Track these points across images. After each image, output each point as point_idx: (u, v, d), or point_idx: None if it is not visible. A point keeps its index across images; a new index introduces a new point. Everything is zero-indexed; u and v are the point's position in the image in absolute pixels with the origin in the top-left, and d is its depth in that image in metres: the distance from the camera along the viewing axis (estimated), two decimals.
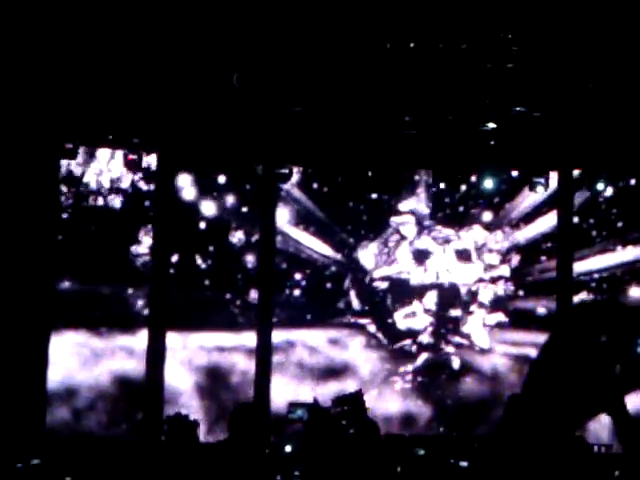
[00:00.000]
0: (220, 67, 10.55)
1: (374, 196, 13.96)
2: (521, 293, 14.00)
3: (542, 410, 3.87)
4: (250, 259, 13.94)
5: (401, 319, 14.03)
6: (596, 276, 13.75)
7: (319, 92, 11.10)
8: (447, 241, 14.08)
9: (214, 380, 13.67)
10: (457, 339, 13.95)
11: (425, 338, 13.95)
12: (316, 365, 13.85)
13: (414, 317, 14.02)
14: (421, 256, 14.13)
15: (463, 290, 14.05)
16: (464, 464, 6.42)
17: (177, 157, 13.32)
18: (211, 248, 13.81)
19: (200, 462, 5.04)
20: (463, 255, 14.08)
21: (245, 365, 13.68)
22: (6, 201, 11.92)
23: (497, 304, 14.03)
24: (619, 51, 9.77)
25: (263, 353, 13.59)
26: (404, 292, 14.08)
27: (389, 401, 13.69)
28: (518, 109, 11.45)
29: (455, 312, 14.01)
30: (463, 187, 14.03)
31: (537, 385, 3.95)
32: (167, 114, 12.14)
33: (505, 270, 14.01)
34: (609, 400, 3.85)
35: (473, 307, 14.03)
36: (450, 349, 13.94)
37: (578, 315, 4.06)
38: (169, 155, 13.26)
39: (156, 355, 13.20)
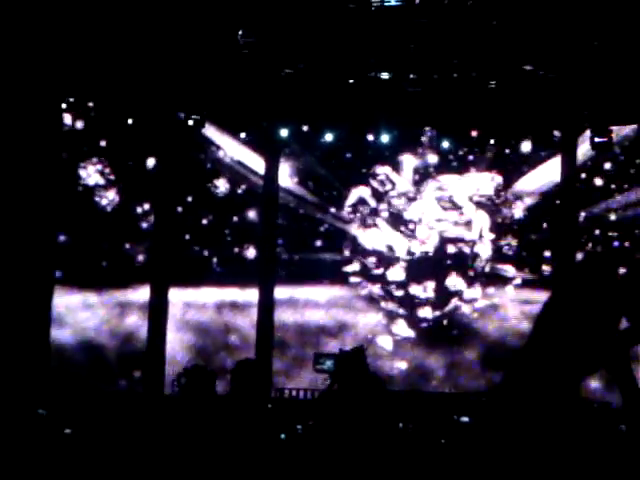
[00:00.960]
0: (223, 24, 10.48)
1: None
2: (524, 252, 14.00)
3: (545, 365, 3.89)
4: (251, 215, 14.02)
5: (397, 276, 14.08)
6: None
7: (321, 49, 11.04)
8: (446, 194, 14.09)
9: (209, 337, 13.78)
10: (457, 297, 14.00)
11: (423, 294, 14.00)
12: (315, 323, 13.94)
13: (413, 273, 14.07)
14: (418, 212, 14.15)
15: (465, 247, 14.08)
16: (465, 419, 6.51)
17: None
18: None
19: (210, 413, 5.11)
20: (460, 208, 14.09)
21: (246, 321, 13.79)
22: (6, 156, 11.88)
23: (502, 259, 14.02)
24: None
25: (265, 309, 13.67)
26: (402, 250, 14.12)
27: (387, 359, 13.78)
28: (523, 67, 11.40)
29: (456, 268, 14.04)
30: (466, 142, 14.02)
31: (541, 340, 3.96)
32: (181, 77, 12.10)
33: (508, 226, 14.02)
34: (612, 354, 3.87)
35: (476, 263, 14.06)
36: (452, 307, 14.00)
37: (586, 267, 4.06)
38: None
39: (158, 311, 13.27)
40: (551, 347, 3.85)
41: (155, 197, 13.51)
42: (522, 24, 10.18)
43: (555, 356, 3.89)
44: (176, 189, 13.61)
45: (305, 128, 13.79)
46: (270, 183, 13.86)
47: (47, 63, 11.21)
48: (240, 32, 10.43)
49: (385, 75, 11.85)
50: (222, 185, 13.97)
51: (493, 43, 10.63)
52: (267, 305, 13.65)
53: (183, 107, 12.98)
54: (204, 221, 13.92)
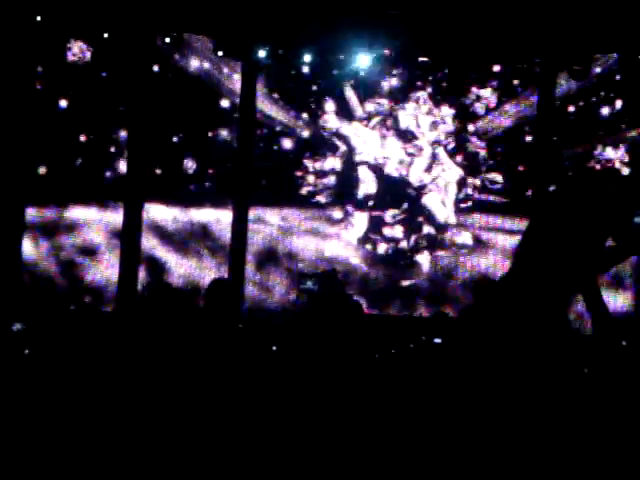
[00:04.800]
0: None
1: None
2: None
3: (528, 287, 3.91)
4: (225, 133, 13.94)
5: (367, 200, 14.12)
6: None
7: None
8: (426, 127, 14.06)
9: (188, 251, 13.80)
10: (427, 226, 14.06)
11: (391, 230, 14.06)
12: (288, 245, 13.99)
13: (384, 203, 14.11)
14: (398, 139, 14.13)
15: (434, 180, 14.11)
16: (437, 341, 6.62)
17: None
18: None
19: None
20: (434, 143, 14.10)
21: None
22: None
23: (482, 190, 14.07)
24: None
25: (239, 227, 13.67)
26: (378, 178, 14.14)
27: (357, 284, 13.89)
28: None
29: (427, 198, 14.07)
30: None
31: (524, 263, 3.96)
32: None
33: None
34: (587, 277, 3.89)
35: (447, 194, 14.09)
36: (422, 236, 14.07)
37: (570, 187, 4.03)
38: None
39: (132, 227, 13.26)
40: (533, 270, 3.86)
41: (130, 118, 13.39)
42: None
43: (537, 280, 3.91)
44: (150, 109, 13.48)
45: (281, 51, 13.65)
46: (247, 103, 13.75)
47: None
48: None
49: None
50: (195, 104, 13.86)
51: None
52: (241, 224, 13.66)
53: (158, 26, 12.82)
54: (175, 139, 13.82)
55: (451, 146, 14.08)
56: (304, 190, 14.04)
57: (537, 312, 3.92)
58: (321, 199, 14.06)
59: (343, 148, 14.12)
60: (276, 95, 13.98)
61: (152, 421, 4.78)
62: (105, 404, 4.91)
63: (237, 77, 13.87)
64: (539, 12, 12.01)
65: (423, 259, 13.93)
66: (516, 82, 13.86)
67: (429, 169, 14.05)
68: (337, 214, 14.05)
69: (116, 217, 13.41)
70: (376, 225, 14.02)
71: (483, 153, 14.04)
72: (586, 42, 12.76)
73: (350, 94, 14.05)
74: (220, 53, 13.43)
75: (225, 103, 13.91)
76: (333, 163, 14.11)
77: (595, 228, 3.87)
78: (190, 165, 13.85)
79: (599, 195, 3.95)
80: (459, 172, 14.01)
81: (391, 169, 14.10)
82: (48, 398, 5.11)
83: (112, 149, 13.54)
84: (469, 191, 14.00)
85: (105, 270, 13.33)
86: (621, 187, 3.98)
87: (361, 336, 5.22)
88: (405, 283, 13.90)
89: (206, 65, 13.82)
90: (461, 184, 14.00)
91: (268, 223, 13.92)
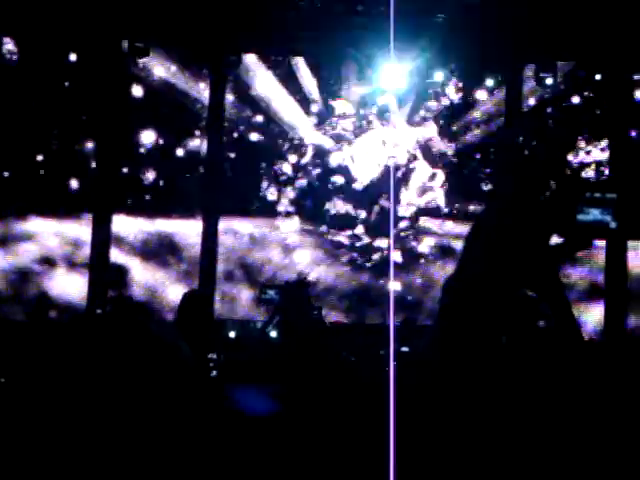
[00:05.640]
0: None
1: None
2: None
3: (478, 287, 3.98)
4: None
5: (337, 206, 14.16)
6: None
7: None
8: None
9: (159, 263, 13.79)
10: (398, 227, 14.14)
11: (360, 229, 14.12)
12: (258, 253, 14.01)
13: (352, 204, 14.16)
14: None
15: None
16: (405, 349, 6.68)
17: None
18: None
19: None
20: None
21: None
22: None
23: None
24: None
25: (209, 239, 13.64)
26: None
27: (329, 290, 13.93)
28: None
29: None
30: None
31: (471, 263, 4.03)
32: None
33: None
34: (543, 273, 3.96)
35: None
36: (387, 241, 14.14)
37: (514, 187, 4.12)
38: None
39: (101, 239, 13.22)
40: (483, 267, 3.91)
41: (98, 126, 13.37)
42: None
43: (482, 280, 3.95)
44: (119, 117, 13.46)
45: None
46: (216, 108, 13.70)
47: None
48: None
49: None
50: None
51: None
52: (211, 235, 13.61)
53: (125, 34, 12.80)
54: (141, 150, 13.82)
55: (419, 153, 14.17)
56: (272, 200, 14.07)
57: (484, 312, 3.98)
58: (290, 209, 14.10)
59: (312, 157, 14.17)
60: (243, 102, 14.02)
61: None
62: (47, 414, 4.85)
63: (203, 85, 13.85)
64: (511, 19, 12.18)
65: (394, 268, 13.98)
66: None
67: (400, 177, 14.12)
68: (305, 225, 14.09)
69: (76, 228, 13.38)
70: (345, 235, 14.08)
71: (453, 159, 14.15)
72: (551, 49, 12.92)
73: (320, 101, 14.11)
74: (187, 60, 13.45)
75: (192, 111, 13.92)
76: (303, 172, 14.15)
77: (539, 226, 3.94)
78: (155, 175, 13.84)
79: (542, 194, 4.03)
80: (428, 177, 14.11)
81: (362, 178, 14.16)
82: None
83: (75, 160, 13.52)
84: (438, 199, 14.11)
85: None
86: (564, 186, 4.08)
87: (323, 348, 5.26)
88: (375, 292, 13.96)
89: (172, 72, 13.80)
90: (428, 190, 14.10)
91: (238, 233, 13.94)
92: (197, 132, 13.95)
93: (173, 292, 12.92)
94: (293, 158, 14.18)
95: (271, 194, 14.10)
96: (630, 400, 4.51)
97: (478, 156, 14.08)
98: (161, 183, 13.85)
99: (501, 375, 4.27)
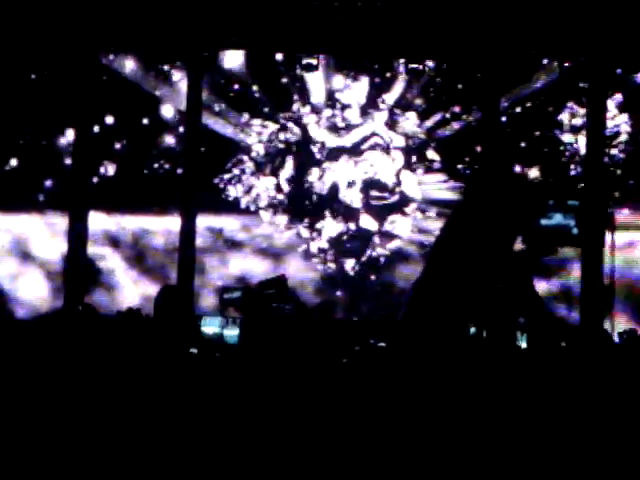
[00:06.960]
0: None
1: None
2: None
3: (446, 289, 3.99)
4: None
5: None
6: None
7: None
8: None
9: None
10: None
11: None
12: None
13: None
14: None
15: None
16: (382, 344, 6.69)
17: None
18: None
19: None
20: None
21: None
22: None
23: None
24: None
25: (186, 235, 13.63)
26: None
27: (307, 287, 13.91)
28: None
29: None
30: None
31: (439, 265, 4.04)
32: None
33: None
34: (513, 274, 3.98)
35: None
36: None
37: (479, 191, 4.10)
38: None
39: (77, 235, 13.18)
40: (451, 269, 3.93)
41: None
42: None
43: (449, 283, 3.97)
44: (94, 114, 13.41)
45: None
46: (193, 105, 13.67)
47: None
48: None
49: None
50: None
51: None
52: (188, 231, 13.60)
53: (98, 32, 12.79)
54: (117, 145, 13.77)
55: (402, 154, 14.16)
56: (248, 199, 14.03)
57: (452, 314, 4.00)
58: (267, 209, 14.06)
59: (293, 158, 14.14)
60: (220, 101, 13.98)
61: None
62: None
63: (179, 82, 13.80)
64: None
65: (372, 270, 14.00)
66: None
67: (384, 181, 14.11)
68: (284, 225, 14.05)
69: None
70: (324, 236, 14.07)
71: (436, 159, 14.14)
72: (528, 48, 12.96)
73: (300, 100, 14.09)
74: (163, 58, 13.41)
75: (167, 109, 13.87)
76: (283, 172, 14.12)
77: (502, 230, 3.95)
78: (129, 172, 13.78)
79: (506, 198, 4.03)
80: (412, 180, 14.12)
81: (341, 180, 14.13)
82: None
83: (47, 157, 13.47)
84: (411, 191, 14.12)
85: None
86: (526, 190, 4.08)
87: (308, 340, 5.27)
88: (354, 294, 13.97)
89: (145, 70, 13.75)
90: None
91: (213, 231, 13.90)
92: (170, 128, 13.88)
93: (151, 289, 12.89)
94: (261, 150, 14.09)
95: (238, 190, 14.03)
96: (608, 395, 4.55)
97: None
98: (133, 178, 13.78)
99: (479, 370, 4.28)
